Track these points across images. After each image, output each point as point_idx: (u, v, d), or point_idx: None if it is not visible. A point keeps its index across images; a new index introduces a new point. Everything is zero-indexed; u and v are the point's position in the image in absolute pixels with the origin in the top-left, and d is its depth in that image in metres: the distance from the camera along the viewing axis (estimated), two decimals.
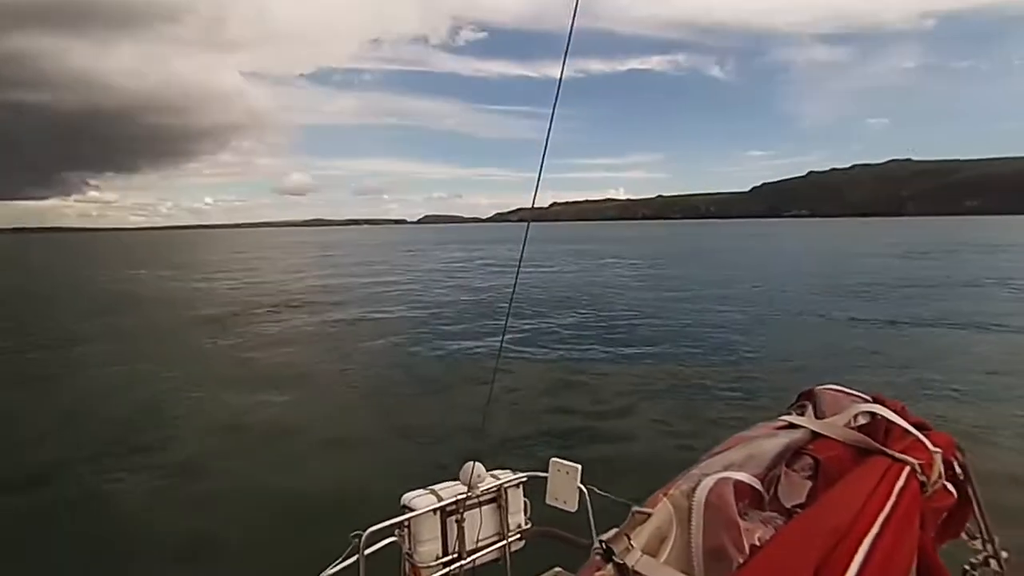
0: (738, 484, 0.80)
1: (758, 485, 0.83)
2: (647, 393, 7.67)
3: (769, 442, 0.93)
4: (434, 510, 1.72)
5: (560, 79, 1.25)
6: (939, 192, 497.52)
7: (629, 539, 0.69)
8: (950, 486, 0.99)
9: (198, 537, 4.18)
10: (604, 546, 0.68)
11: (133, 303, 17.80)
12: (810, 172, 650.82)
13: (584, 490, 1.82)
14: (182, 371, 9.21)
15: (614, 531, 0.71)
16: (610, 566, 0.66)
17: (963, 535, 1.14)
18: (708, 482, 0.79)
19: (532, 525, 1.97)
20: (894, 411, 1.04)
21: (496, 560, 1.90)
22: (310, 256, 45.57)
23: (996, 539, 1.13)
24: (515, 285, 2.63)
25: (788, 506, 0.83)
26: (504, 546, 1.90)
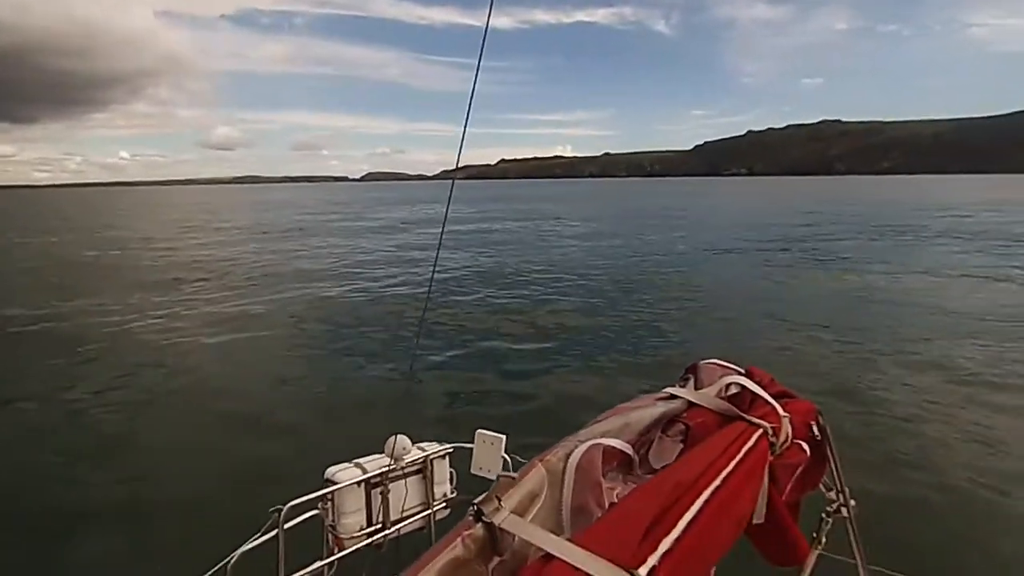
0: (608, 449, 0.88)
1: (629, 450, 0.92)
2: (576, 361, 7.63)
3: (647, 411, 1.03)
4: (358, 482, 1.76)
5: (485, 33, 1.28)
6: (864, 152, 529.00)
7: (499, 500, 0.75)
8: (805, 445, 1.11)
9: (111, 513, 4.09)
10: (475, 508, 0.73)
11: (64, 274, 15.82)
12: (748, 132, 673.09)
13: (508, 460, 1.84)
14: (102, 345, 8.47)
15: (485, 494, 0.77)
16: (479, 525, 0.72)
17: (821, 487, 1.28)
18: (582, 448, 0.86)
19: (457, 495, 2.02)
20: (762, 381, 1.17)
21: (421, 528, 1.96)
22: (242, 219, 42.59)
23: (847, 490, 1.29)
24: (438, 250, 2.42)
25: (657, 468, 0.93)
26: (429, 515, 1.97)
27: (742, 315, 9.71)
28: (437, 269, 13.84)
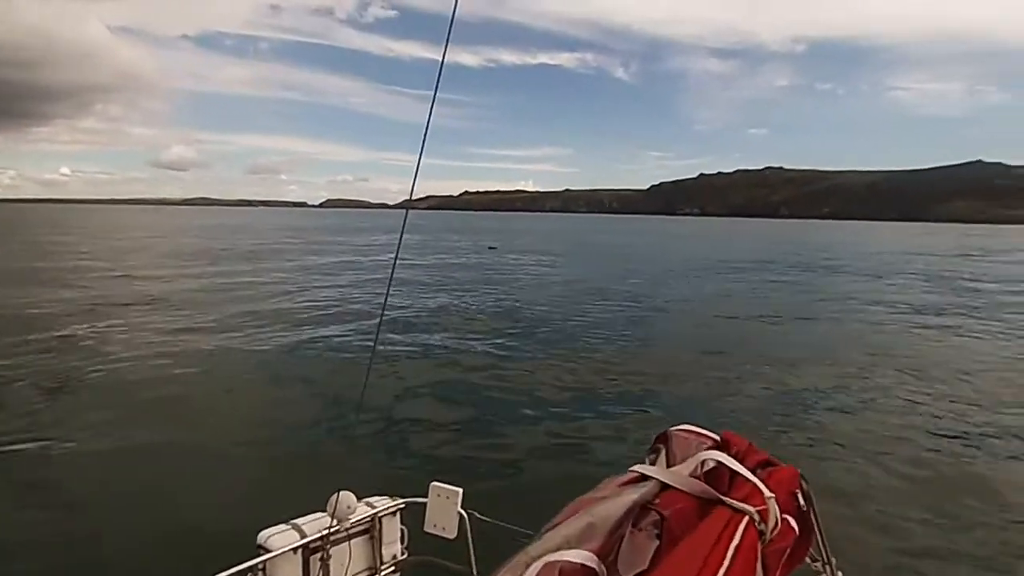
0: (566, 567, 0.78)
1: (593, 562, 0.80)
2: (536, 409, 7.02)
3: (614, 503, 0.92)
4: (295, 548, 1.57)
5: (441, 66, 1.29)
6: (805, 197, 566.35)
7: None
8: (792, 521, 1.01)
9: None
10: None
11: None
12: (700, 174, 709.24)
13: (465, 515, 1.74)
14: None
15: None
16: None
17: (807, 559, 1.17)
18: (534, 570, 0.76)
19: (409, 555, 1.87)
20: (740, 451, 1.06)
21: None
22: (171, 243, 39.97)
23: (834, 560, 1.20)
24: (389, 284, 2.08)
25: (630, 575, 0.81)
26: None
27: (711, 365, 9.14)
28: (388, 310, 12.93)
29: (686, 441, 1.07)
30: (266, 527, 1.59)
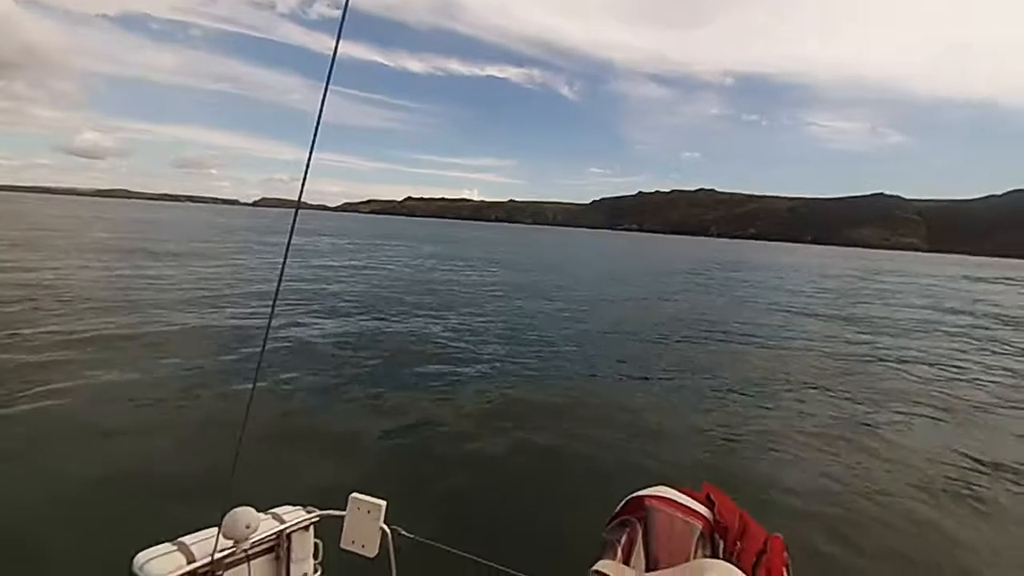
0: None
1: None
2: (470, 419, 6.54)
3: None
4: (181, 574, 1.32)
5: (333, 58, 1.23)
6: (734, 218, 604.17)
7: None
8: None
9: None
10: None
11: None
12: (639, 192, 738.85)
13: (388, 531, 1.59)
14: None
15: None
16: None
17: None
18: None
19: (322, 575, 1.70)
20: (724, 517, 0.94)
21: None
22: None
23: None
24: (280, 281, 1.71)
25: None
26: None
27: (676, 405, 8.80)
28: (305, 314, 11.99)
29: (668, 522, 0.88)
30: (144, 548, 1.33)
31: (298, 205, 1.44)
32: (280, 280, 1.65)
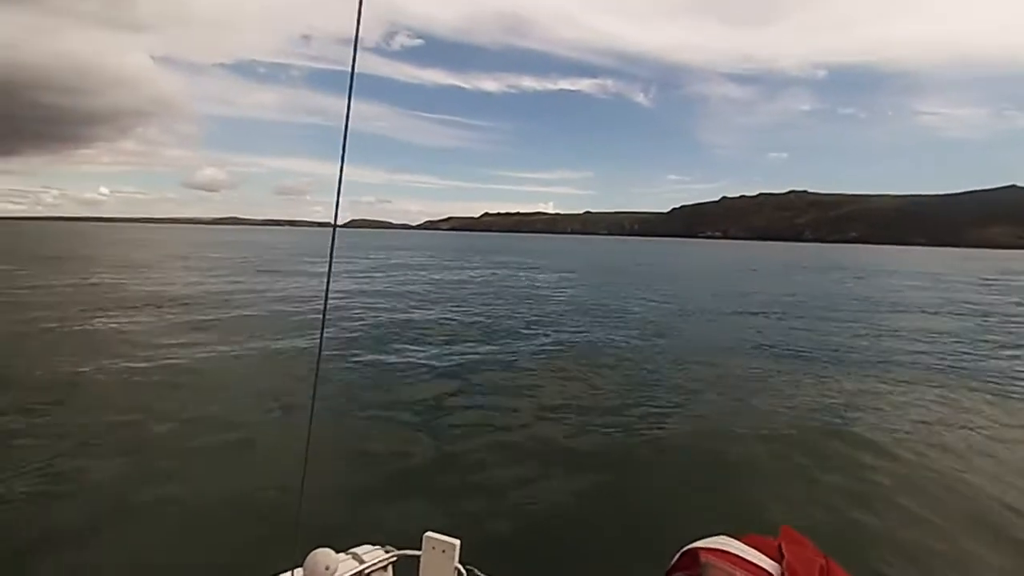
0: None
1: None
2: (544, 449, 6.13)
3: None
4: None
5: (352, 73, 1.26)
6: (831, 221, 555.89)
7: None
8: None
9: None
10: None
11: None
12: (723, 197, 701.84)
13: (463, 571, 1.62)
14: None
15: None
16: None
17: None
18: None
19: None
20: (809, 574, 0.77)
21: None
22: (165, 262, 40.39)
23: None
24: (326, 300, 1.63)
25: None
26: None
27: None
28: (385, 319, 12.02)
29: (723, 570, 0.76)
30: None
31: (335, 225, 1.49)
32: (326, 302, 1.65)
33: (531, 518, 4.57)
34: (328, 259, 1.49)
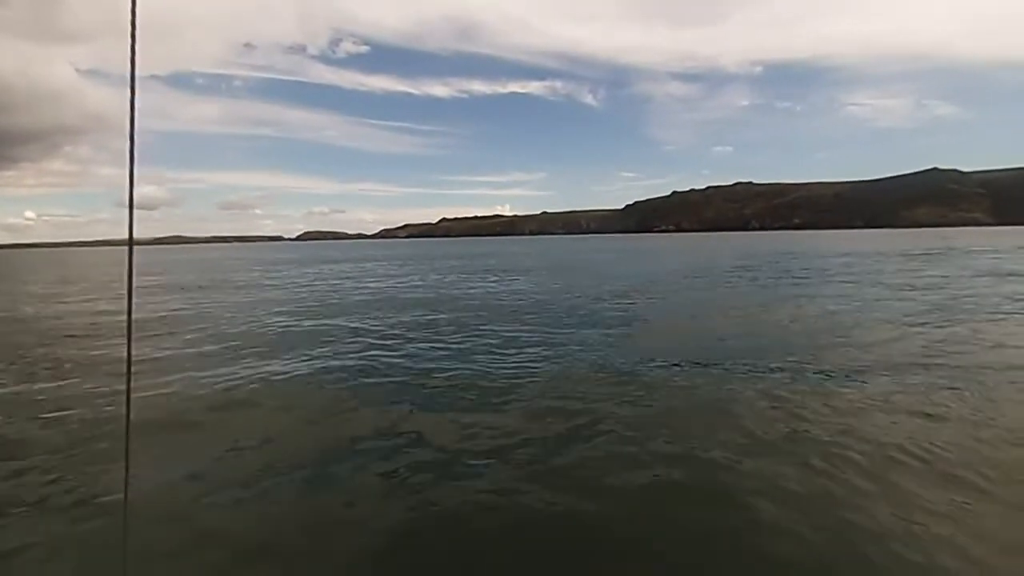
0: None
1: None
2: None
3: None
4: None
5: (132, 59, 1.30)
6: (775, 210, 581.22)
7: None
8: None
9: None
10: None
11: None
12: (673, 192, 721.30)
13: None
14: None
15: None
16: None
17: None
18: None
19: None
20: None
21: None
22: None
23: None
24: (129, 314, 1.61)
25: None
26: None
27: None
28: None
29: None
30: None
31: (131, 243, 1.62)
32: (129, 316, 1.56)
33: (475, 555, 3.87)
34: (127, 278, 1.57)
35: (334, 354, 10.57)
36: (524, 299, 19.39)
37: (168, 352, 11.20)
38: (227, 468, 5.50)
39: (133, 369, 1.88)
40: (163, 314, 16.89)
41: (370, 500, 4.76)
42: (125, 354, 1.74)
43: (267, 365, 9.69)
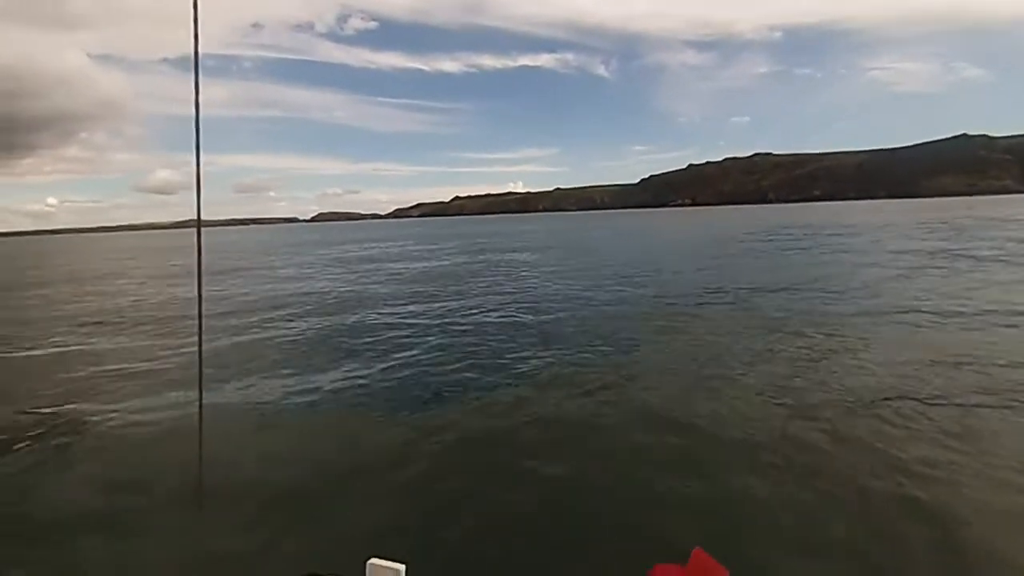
0: None
1: None
2: (488, 457, 5.77)
3: None
4: None
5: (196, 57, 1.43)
6: (794, 181, 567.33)
7: None
8: None
9: None
10: None
11: None
12: (689, 165, 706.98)
13: None
14: None
15: None
16: None
17: None
18: None
19: None
20: None
21: None
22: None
23: None
24: (200, 300, 1.77)
25: None
26: None
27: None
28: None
29: None
30: None
31: (199, 225, 1.65)
32: (200, 294, 1.74)
33: (479, 537, 4.29)
34: (197, 258, 1.63)
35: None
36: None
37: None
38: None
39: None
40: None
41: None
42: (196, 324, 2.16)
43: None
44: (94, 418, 7.13)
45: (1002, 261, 18.83)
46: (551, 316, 12.98)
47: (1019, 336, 9.22)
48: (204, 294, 1.94)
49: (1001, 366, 7.67)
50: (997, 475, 4.80)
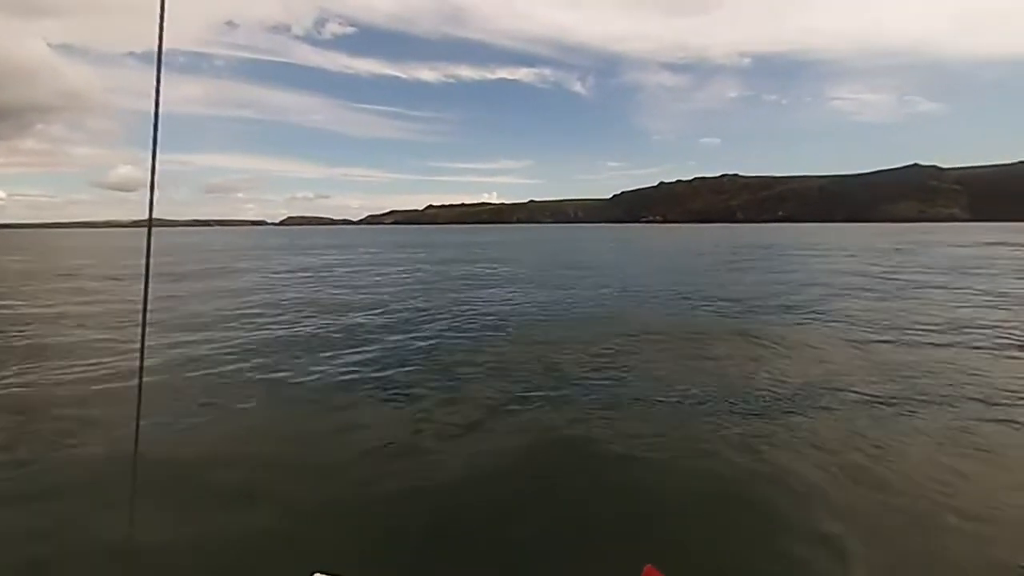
0: None
1: None
2: (442, 466, 5.57)
3: None
4: None
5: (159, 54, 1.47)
6: (761, 202, 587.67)
7: None
8: None
9: None
10: None
11: None
12: (660, 183, 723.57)
13: None
14: None
15: None
16: None
17: None
18: None
19: None
20: None
21: None
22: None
23: None
24: (145, 298, 1.73)
25: None
26: None
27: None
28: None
29: None
30: None
31: (150, 226, 1.77)
32: (145, 294, 1.64)
33: (428, 546, 4.07)
34: (145, 260, 1.61)
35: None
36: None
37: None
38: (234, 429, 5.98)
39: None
40: None
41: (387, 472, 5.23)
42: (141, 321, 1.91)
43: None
44: None
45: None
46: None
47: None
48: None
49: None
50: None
